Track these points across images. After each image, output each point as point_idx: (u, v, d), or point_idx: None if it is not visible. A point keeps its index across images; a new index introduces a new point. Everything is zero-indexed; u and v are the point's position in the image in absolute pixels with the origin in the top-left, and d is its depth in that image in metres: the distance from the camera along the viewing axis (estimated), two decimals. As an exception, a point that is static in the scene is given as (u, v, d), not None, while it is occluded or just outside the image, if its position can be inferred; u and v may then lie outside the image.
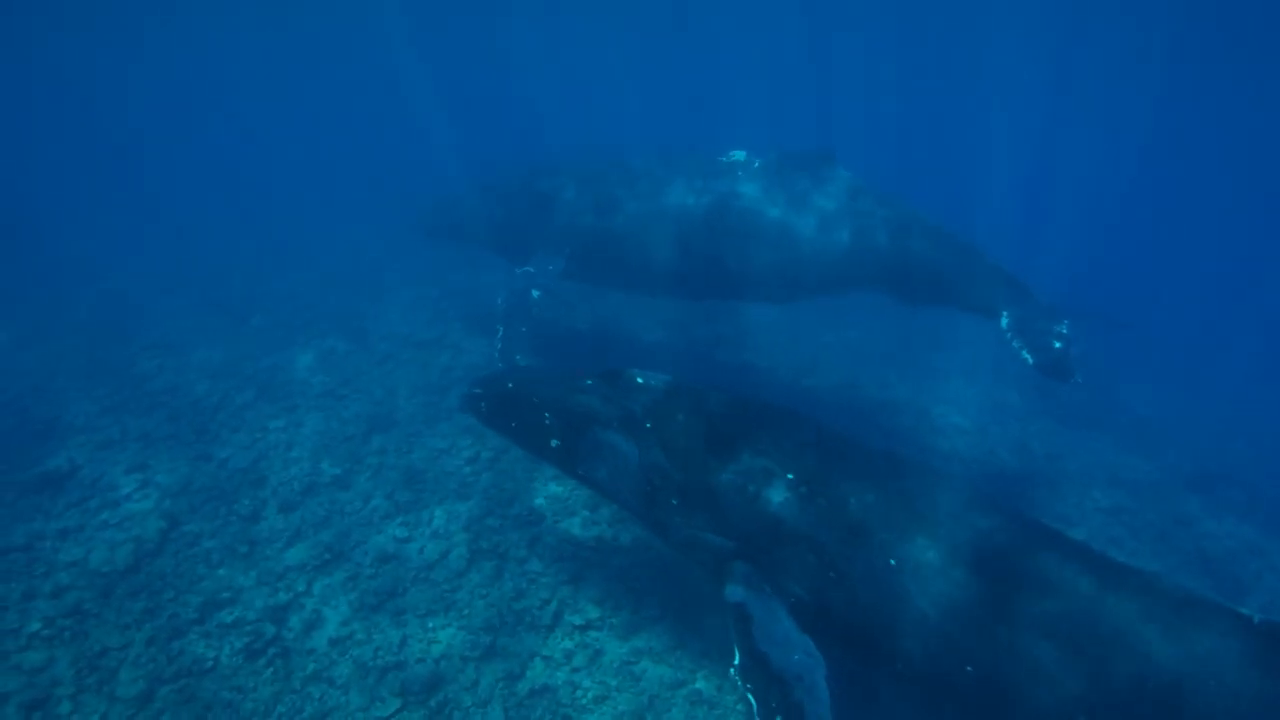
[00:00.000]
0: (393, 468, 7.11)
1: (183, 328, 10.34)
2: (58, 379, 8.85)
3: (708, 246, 7.85)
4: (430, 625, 5.47)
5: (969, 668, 3.76)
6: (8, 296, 11.63)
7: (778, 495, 4.22)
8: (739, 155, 8.01)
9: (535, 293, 8.10)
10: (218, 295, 11.79)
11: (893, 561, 3.94)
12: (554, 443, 4.73)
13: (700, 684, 5.19)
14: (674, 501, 4.44)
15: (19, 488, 6.73)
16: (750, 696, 3.79)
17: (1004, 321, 7.35)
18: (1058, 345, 7.12)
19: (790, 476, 4.24)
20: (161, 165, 21.16)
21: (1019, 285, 7.57)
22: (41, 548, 6.07)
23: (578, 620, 5.58)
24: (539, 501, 6.68)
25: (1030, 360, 7.06)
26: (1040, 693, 3.61)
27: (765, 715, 3.69)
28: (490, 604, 5.66)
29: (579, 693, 5.05)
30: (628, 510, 4.78)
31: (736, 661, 3.96)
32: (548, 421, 4.74)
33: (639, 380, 4.76)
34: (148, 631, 5.29)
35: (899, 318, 12.24)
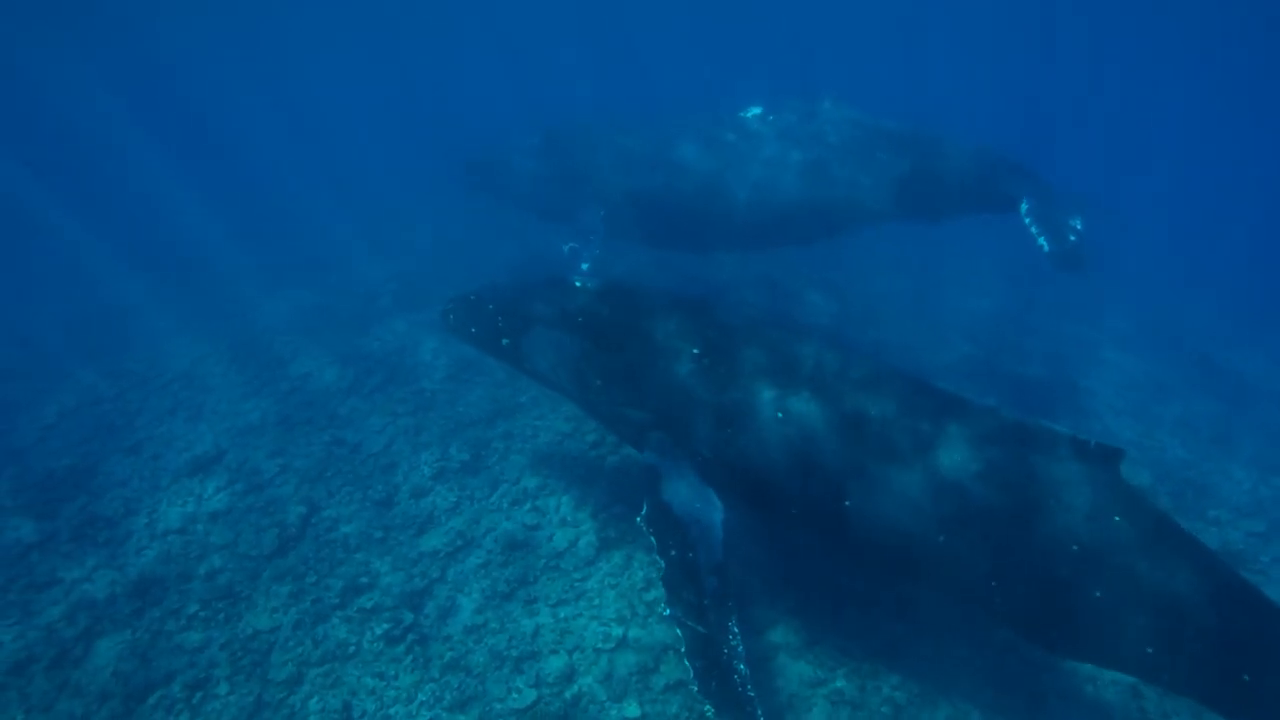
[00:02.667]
0: (519, 452, 7.13)
1: (306, 306, 10.71)
2: (205, 364, 9.31)
3: (739, 196, 8.19)
4: (562, 615, 5.43)
5: (846, 503, 4.23)
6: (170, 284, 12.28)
7: (684, 368, 4.75)
8: (755, 110, 8.52)
9: (584, 265, 8.30)
10: (335, 280, 12.09)
11: (780, 415, 4.41)
12: (504, 341, 5.44)
13: (841, 682, 4.97)
14: (598, 382, 5.06)
15: (173, 472, 7.10)
16: (652, 538, 4.46)
17: (1023, 207, 7.71)
18: (1073, 239, 7.51)
19: (695, 351, 4.78)
20: (248, 158, 21.76)
21: (1037, 177, 7.90)
22: (195, 530, 6.38)
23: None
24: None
25: (1046, 248, 7.49)
26: (905, 518, 4.10)
27: (663, 550, 4.38)
28: (621, 594, 5.58)
29: (715, 690, 4.91)
30: (562, 394, 5.50)
31: (644, 512, 4.58)
32: (500, 324, 5.45)
33: (577, 284, 5.40)
34: (294, 615, 5.48)
35: (1027, 282, 11.59)
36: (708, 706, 3.98)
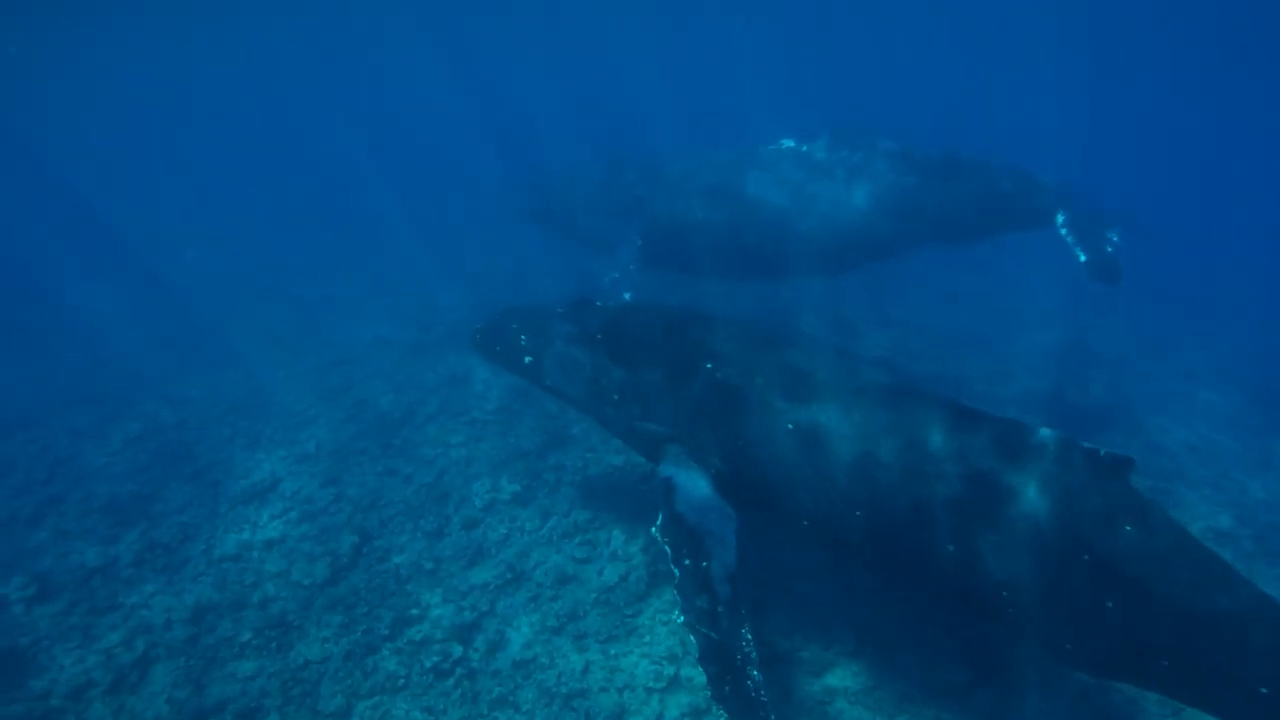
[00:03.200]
0: (570, 485, 7.08)
1: (363, 338, 10.89)
2: (266, 392, 9.49)
3: (782, 228, 8.42)
4: (612, 652, 5.33)
5: (858, 513, 4.27)
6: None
7: (698, 382, 4.81)
8: (789, 142, 8.72)
9: (626, 295, 8.39)
10: (388, 306, 12.27)
11: (790, 426, 4.46)
12: (527, 360, 5.58)
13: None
14: (615, 397, 5.16)
15: (230, 499, 7.21)
16: (667, 548, 4.51)
17: (1059, 218, 7.83)
18: (1109, 250, 7.60)
19: (709, 366, 4.82)
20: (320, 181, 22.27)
21: (1071, 191, 8.01)
22: (250, 557, 6.45)
23: (765, 652, 5.26)
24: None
25: (1082, 258, 7.58)
26: (922, 528, 4.08)
27: (676, 559, 4.44)
28: (672, 631, 5.46)
29: (770, 734, 4.75)
30: (580, 409, 5.62)
31: (658, 522, 4.63)
32: (524, 343, 5.61)
33: (598, 304, 5.60)
34: (345, 646, 5.46)
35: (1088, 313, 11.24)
36: (721, 711, 4.00)
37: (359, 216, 17.99)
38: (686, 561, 4.41)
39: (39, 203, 20.23)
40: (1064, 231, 7.76)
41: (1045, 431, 4.00)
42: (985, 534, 3.94)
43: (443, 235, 15.89)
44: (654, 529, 4.62)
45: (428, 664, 5.29)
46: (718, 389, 4.75)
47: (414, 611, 5.76)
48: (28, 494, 7.53)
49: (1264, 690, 3.43)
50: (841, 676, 5.10)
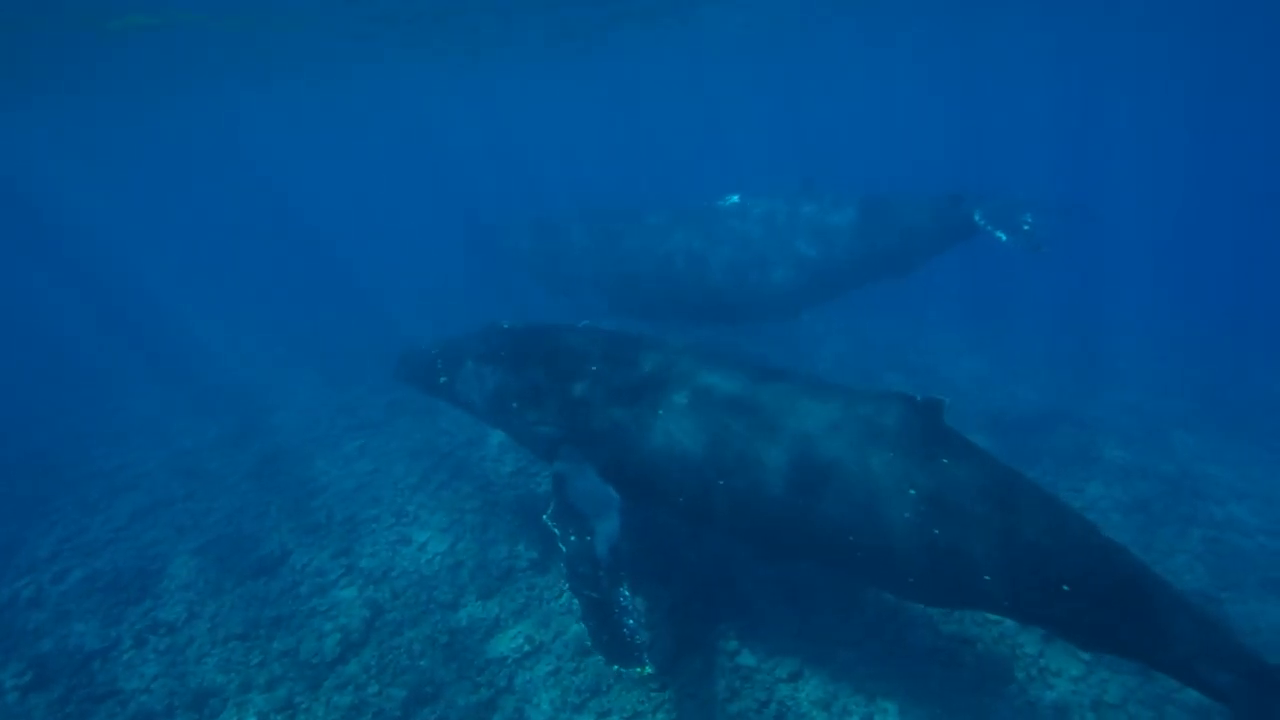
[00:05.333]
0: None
1: (375, 405, 10.72)
2: (273, 462, 9.30)
3: (729, 280, 9.34)
4: (639, 730, 4.96)
5: (721, 482, 4.72)
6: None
7: (580, 387, 5.42)
8: (734, 199, 9.58)
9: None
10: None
11: (661, 412, 5.00)
12: (442, 380, 6.30)
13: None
14: (514, 405, 5.75)
15: (237, 574, 6.94)
16: (555, 529, 4.97)
17: (976, 217, 8.56)
18: (1026, 226, 8.35)
19: (593, 368, 5.44)
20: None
21: (982, 193, 8.87)
22: (257, 636, 6.15)
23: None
24: (746, 584, 6.08)
25: (1004, 238, 8.24)
26: (770, 491, 4.56)
27: (564, 538, 4.90)
28: (701, 705, 5.09)
29: (813, 820, 4.37)
30: (489, 422, 6.16)
31: (549, 510, 5.09)
32: (439, 365, 6.32)
33: (504, 325, 6.22)
34: (354, 730, 5.12)
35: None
36: (601, 657, 4.35)
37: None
38: (572, 538, 4.89)
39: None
40: (982, 224, 8.49)
41: (872, 388, 4.74)
42: (827, 487, 4.38)
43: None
44: (545, 516, 5.05)
45: (442, 748, 4.94)
46: (597, 390, 5.35)
47: (428, 689, 5.42)
48: (30, 573, 7.29)
49: (1066, 588, 3.89)
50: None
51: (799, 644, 5.46)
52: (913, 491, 4.19)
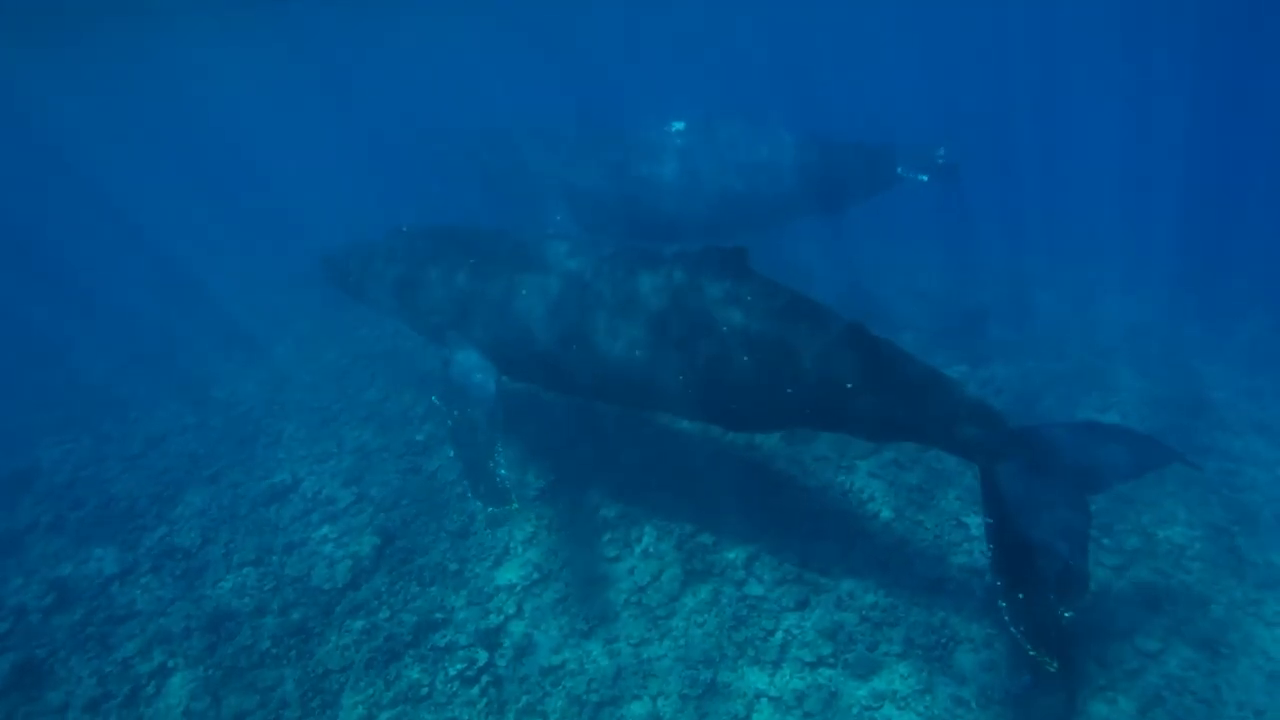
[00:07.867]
0: (599, 478, 6.78)
1: (385, 332, 10.69)
2: (285, 389, 9.33)
3: (674, 202, 9.52)
4: (645, 656, 5.04)
5: (574, 347, 5.45)
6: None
7: (462, 277, 6.07)
8: (679, 125, 9.72)
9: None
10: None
11: (524, 293, 5.67)
12: (351, 279, 7.07)
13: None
14: (410, 299, 6.44)
15: (250, 501, 7.02)
16: (442, 405, 5.72)
17: (898, 169, 9.15)
18: (940, 161, 9.02)
19: (472, 261, 6.09)
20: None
21: (900, 145, 9.39)
22: (270, 562, 6.25)
23: (807, 656, 4.95)
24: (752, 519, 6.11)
25: (924, 179, 8.90)
26: (614, 354, 5.31)
27: (448, 412, 5.61)
28: (708, 633, 5.16)
29: (815, 744, 4.45)
30: (389, 314, 6.94)
31: (439, 391, 5.83)
32: (351, 266, 7.06)
33: (403, 229, 6.85)
34: (366, 653, 5.23)
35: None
36: (479, 502, 5.07)
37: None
38: (455, 411, 5.57)
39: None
40: (902, 172, 9.03)
41: (674, 249, 5.37)
42: (659, 337, 5.11)
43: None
44: (433, 397, 5.81)
45: (452, 671, 5.03)
46: (476, 278, 5.97)
47: (438, 615, 5.51)
48: (49, 500, 7.41)
49: (849, 385, 4.62)
50: (889, 679, 4.77)
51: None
52: (725, 329, 4.91)
